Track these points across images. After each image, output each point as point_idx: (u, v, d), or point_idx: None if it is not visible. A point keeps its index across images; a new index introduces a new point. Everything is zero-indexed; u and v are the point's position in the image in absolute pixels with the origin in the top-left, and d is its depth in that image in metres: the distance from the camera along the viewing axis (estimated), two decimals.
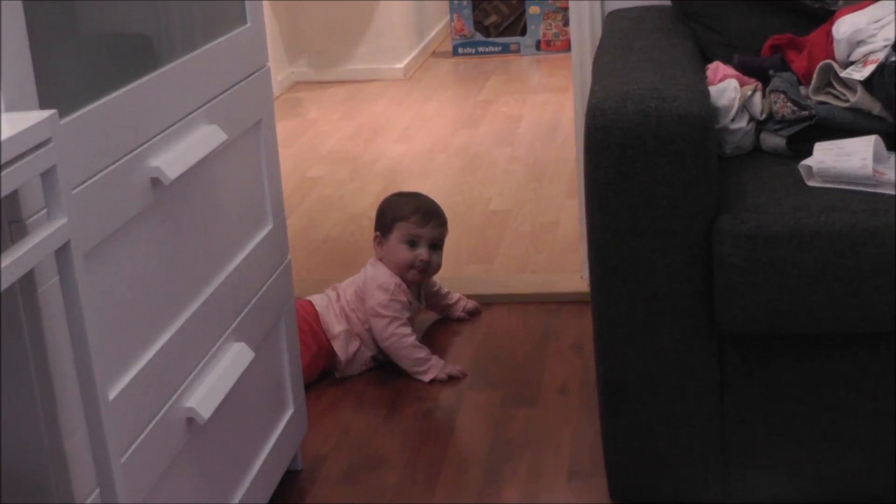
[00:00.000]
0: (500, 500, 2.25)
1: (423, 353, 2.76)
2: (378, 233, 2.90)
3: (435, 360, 2.76)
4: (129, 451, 1.58)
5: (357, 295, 2.82)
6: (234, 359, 1.92)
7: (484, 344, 2.92)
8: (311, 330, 2.74)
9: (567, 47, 6.21)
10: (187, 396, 1.76)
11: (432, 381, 2.72)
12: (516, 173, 4.24)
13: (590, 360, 2.77)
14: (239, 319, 1.97)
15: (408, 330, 2.77)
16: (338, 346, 2.75)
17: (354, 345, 2.78)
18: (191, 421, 1.76)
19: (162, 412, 1.68)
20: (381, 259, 2.86)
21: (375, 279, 2.81)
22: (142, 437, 1.61)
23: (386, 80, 5.89)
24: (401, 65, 5.96)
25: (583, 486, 2.27)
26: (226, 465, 1.94)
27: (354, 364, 2.79)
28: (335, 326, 2.77)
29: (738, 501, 2.09)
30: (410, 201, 2.92)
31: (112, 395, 1.53)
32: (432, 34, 6.62)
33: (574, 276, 3.23)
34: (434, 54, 6.49)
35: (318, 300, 2.83)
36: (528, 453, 2.40)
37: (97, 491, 1.48)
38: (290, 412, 2.26)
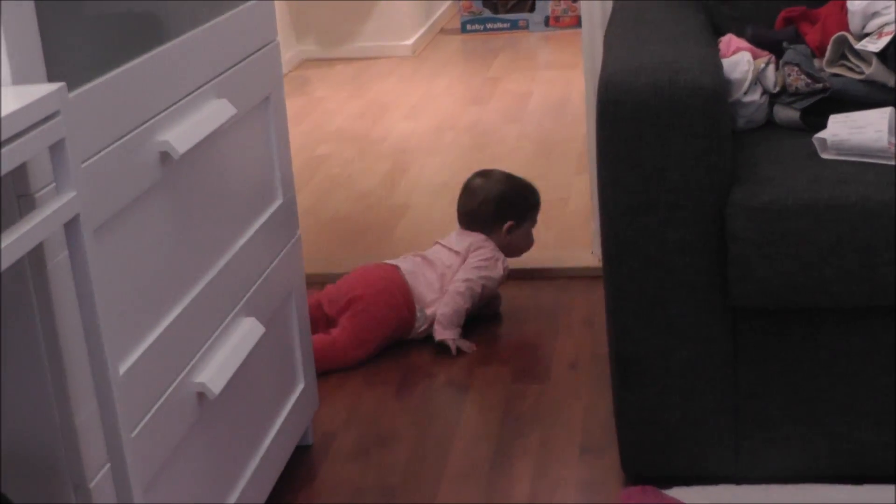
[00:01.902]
0: (512, 476, 2.24)
1: (460, 318, 2.78)
2: (513, 221, 2.93)
3: (458, 331, 2.78)
4: (140, 427, 1.57)
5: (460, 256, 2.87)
6: (244, 334, 1.91)
7: (494, 320, 2.91)
8: (401, 291, 2.79)
9: (576, 24, 6.18)
10: (198, 372, 1.75)
11: (440, 344, 2.74)
12: (525, 150, 4.22)
13: (600, 336, 2.76)
14: (249, 295, 1.97)
15: (472, 297, 2.81)
16: (430, 311, 2.80)
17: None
18: (201, 396, 1.76)
19: (172, 387, 1.67)
20: (508, 244, 2.92)
21: (483, 252, 2.87)
22: (152, 412, 1.61)
23: (394, 58, 5.87)
24: (409, 42, 5.93)
25: (595, 461, 2.26)
26: (236, 440, 1.94)
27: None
28: (430, 294, 2.82)
29: (751, 475, 2.08)
30: (532, 188, 3.01)
31: (122, 370, 1.52)
32: (440, 11, 6.59)
33: (584, 252, 3.21)
34: (442, 31, 6.46)
35: (404, 265, 2.86)
36: (539, 429, 2.40)
37: (107, 466, 1.48)
38: (300, 387, 2.25)
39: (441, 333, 2.75)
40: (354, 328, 2.73)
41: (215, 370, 1.79)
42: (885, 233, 1.86)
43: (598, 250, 3.14)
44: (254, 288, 1.99)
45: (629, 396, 2.08)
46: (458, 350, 2.74)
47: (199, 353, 1.76)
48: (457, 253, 2.88)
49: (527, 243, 2.99)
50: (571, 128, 4.42)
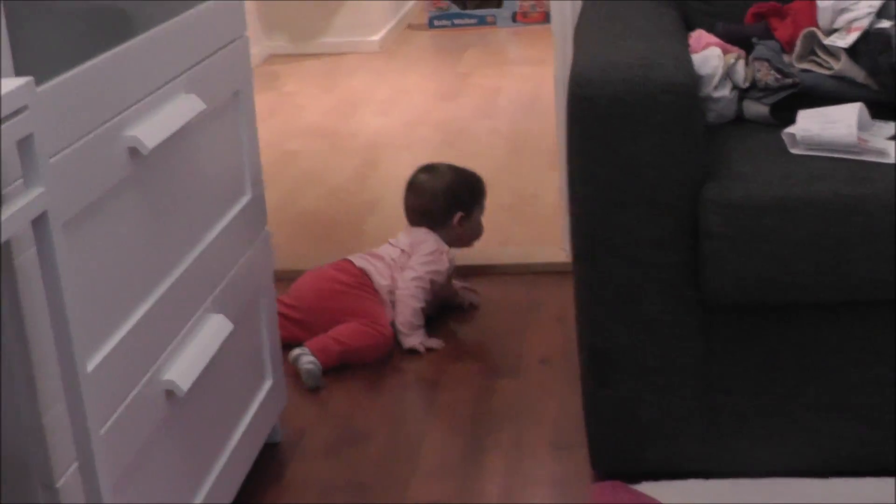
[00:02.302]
0: (483, 472, 2.24)
1: (418, 318, 2.77)
2: (462, 212, 2.91)
3: (422, 332, 2.76)
4: (108, 425, 1.55)
5: (408, 256, 2.87)
6: (212, 331, 1.90)
7: (465, 316, 2.90)
8: (363, 281, 2.80)
9: (543, 19, 6.18)
10: (166, 369, 1.74)
11: (411, 350, 2.72)
12: (497, 146, 4.22)
13: (571, 332, 2.74)
14: (217, 291, 1.95)
15: (424, 294, 2.80)
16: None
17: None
18: (170, 394, 1.74)
19: (141, 385, 1.65)
20: (460, 236, 2.92)
21: (428, 247, 2.86)
22: (120, 410, 1.59)
23: (362, 53, 5.85)
24: (377, 37, 5.92)
25: (566, 458, 2.26)
26: (205, 437, 1.92)
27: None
28: (380, 280, 2.82)
29: (722, 470, 2.08)
30: (477, 176, 3.00)
31: (91, 367, 1.51)
32: (408, 7, 6.58)
33: (555, 248, 3.21)
34: (410, 27, 6.45)
35: (356, 259, 2.86)
36: (510, 425, 2.39)
37: (76, 465, 1.46)
38: (268, 384, 2.24)
39: (407, 341, 2.74)
40: (363, 315, 2.72)
41: (184, 368, 1.77)
42: (857, 228, 1.87)
43: (568, 246, 3.14)
44: (222, 284, 1.98)
45: (600, 392, 2.08)
46: (429, 349, 2.73)
47: (168, 350, 1.75)
48: (402, 250, 2.87)
49: (478, 232, 2.98)
50: (542, 124, 4.42)
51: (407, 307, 2.77)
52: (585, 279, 2.02)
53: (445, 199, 2.91)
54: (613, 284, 2.00)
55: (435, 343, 2.75)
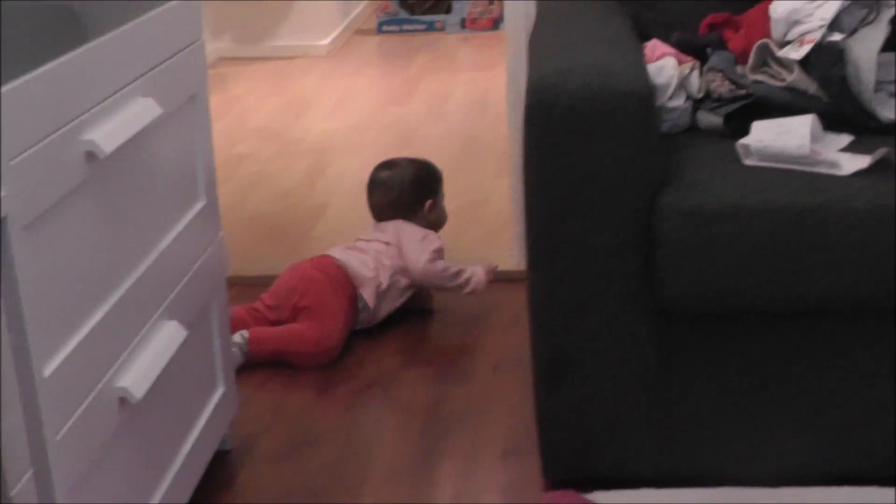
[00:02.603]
0: (436, 478, 2.24)
1: (454, 268, 2.89)
2: (430, 199, 2.99)
3: (471, 270, 2.91)
4: (63, 432, 1.53)
5: (397, 251, 2.89)
6: (166, 337, 1.88)
7: (417, 321, 2.90)
8: (344, 279, 2.80)
9: (492, 26, 6.21)
10: (120, 375, 1.72)
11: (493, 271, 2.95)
12: (446, 151, 4.22)
13: (523, 338, 2.75)
14: (172, 297, 1.94)
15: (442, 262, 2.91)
16: (367, 294, 2.81)
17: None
18: (123, 400, 1.73)
19: (95, 391, 1.64)
20: (431, 223, 3.00)
21: (415, 235, 2.92)
22: (75, 417, 1.57)
23: (311, 57, 5.83)
24: (325, 41, 5.91)
25: (518, 464, 2.26)
26: (157, 445, 1.91)
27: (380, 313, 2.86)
28: (365, 272, 2.82)
29: (673, 478, 2.09)
30: (432, 163, 3.10)
31: (47, 373, 1.49)
32: (357, 11, 6.57)
33: (506, 254, 3.22)
34: (358, 31, 6.44)
35: (337, 253, 2.87)
36: (462, 431, 2.39)
37: (30, 472, 1.45)
38: (220, 391, 2.22)
39: (474, 285, 2.89)
40: (317, 320, 2.72)
41: (138, 374, 1.75)
42: (810, 238, 1.88)
43: (519, 252, 3.15)
44: (176, 290, 1.96)
45: (553, 399, 2.08)
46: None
47: (122, 356, 1.73)
48: (386, 243, 2.89)
49: (444, 217, 3.08)
50: (491, 129, 4.43)
51: (439, 277, 2.86)
52: (540, 285, 2.03)
53: (413, 188, 2.98)
54: (568, 291, 2.01)
55: (490, 267, 2.94)
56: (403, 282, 2.87)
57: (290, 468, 2.29)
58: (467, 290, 2.90)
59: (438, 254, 2.90)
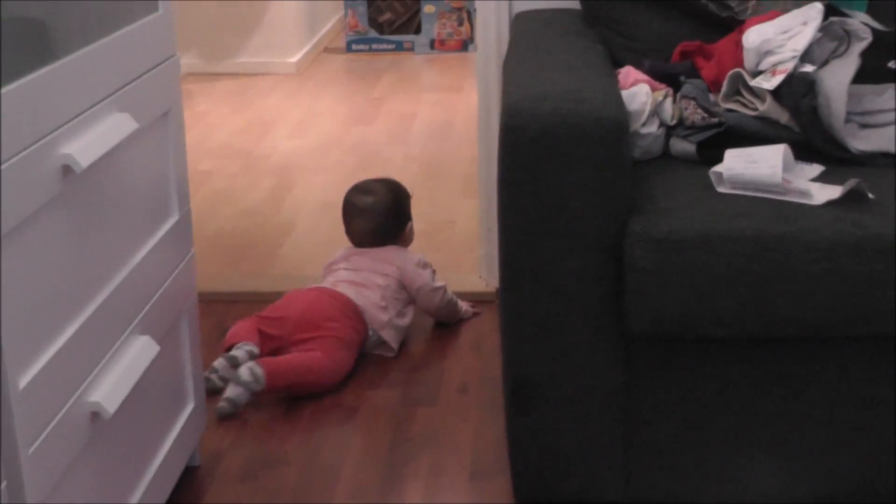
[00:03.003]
0: (402, 499, 2.24)
1: (448, 294, 2.97)
2: (410, 222, 3.04)
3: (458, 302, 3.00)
4: (35, 446, 1.53)
5: (398, 281, 2.89)
6: (138, 352, 1.88)
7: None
8: (357, 313, 2.80)
9: (460, 47, 6.23)
10: (93, 390, 1.72)
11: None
12: (411, 171, 4.23)
13: (489, 360, 2.77)
14: (144, 312, 1.93)
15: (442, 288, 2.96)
16: (389, 336, 2.82)
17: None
18: (95, 415, 1.72)
19: (68, 406, 1.63)
20: (406, 245, 3.02)
21: (411, 260, 2.93)
22: (47, 430, 1.56)
23: (278, 75, 5.84)
24: (293, 59, 5.91)
25: (485, 486, 2.27)
26: (128, 460, 1.90)
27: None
28: (382, 315, 2.82)
29: (640, 501, 2.11)
30: (400, 183, 3.10)
31: (21, 386, 1.48)
32: (325, 29, 6.58)
33: (471, 276, 3.23)
34: (327, 49, 6.45)
35: (348, 291, 2.82)
36: (428, 453, 2.39)
37: (3, 484, 1.44)
38: (190, 407, 2.22)
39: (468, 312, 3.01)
40: (328, 350, 2.68)
41: (110, 389, 1.75)
42: (778, 266, 1.90)
43: (486, 274, 3.16)
44: (149, 305, 1.96)
45: (522, 421, 2.09)
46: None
47: (95, 371, 1.73)
48: (385, 275, 2.88)
49: (412, 235, 3.10)
50: (457, 151, 4.45)
51: (454, 310, 2.98)
52: (510, 308, 2.04)
53: (395, 213, 2.99)
54: (538, 314, 2.02)
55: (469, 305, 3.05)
56: (409, 314, 2.89)
57: (256, 487, 2.28)
58: (463, 317, 3.01)
59: (434, 275, 2.96)
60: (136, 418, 1.91)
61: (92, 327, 1.71)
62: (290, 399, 2.61)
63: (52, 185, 1.58)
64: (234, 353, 2.63)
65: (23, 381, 1.48)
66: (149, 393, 1.97)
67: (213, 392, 2.57)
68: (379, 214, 2.96)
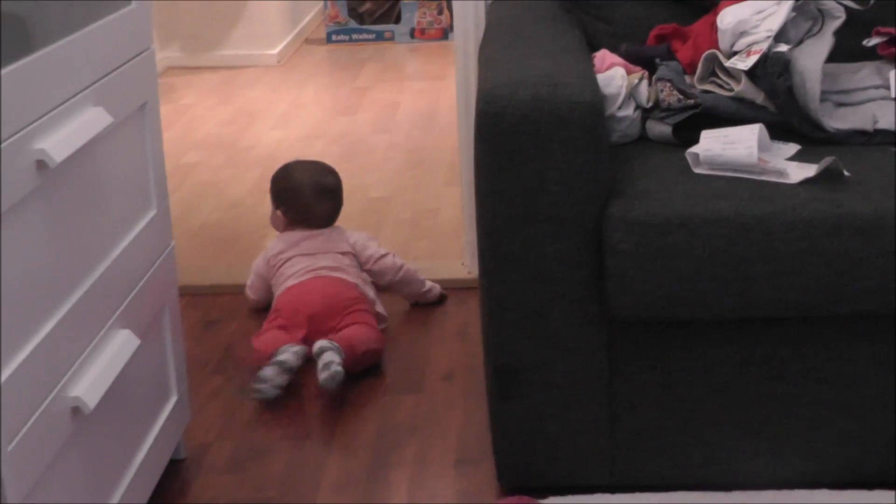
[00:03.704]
0: (388, 487, 2.24)
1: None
2: None
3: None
4: (15, 441, 1.53)
5: (354, 257, 2.93)
6: (119, 347, 1.88)
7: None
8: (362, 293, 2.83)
9: (441, 36, 6.23)
10: (73, 385, 1.71)
11: (442, 297, 3.04)
12: (395, 160, 4.23)
13: (474, 347, 2.77)
14: (124, 306, 1.93)
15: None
16: (381, 308, 2.87)
17: None
18: (76, 410, 1.72)
19: (48, 401, 1.63)
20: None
21: (357, 233, 2.99)
22: (27, 426, 1.56)
23: (260, 67, 5.82)
24: (275, 51, 5.90)
25: (471, 472, 2.27)
26: (110, 455, 1.90)
27: None
28: (370, 291, 2.87)
29: (626, 484, 2.11)
30: None
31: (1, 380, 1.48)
32: (306, 20, 6.57)
33: (455, 263, 3.23)
34: (307, 41, 6.44)
35: (350, 277, 2.85)
36: (414, 440, 2.40)
37: None
38: (173, 400, 2.22)
39: (433, 293, 3.03)
40: (371, 323, 2.75)
41: (90, 384, 1.75)
42: (758, 247, 1.91)
43: (469, 262, 3.16)
44: (129, 299, 1.96)
45: (506, 407, 2.09)
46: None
47: (75, 366, 1.72)
48: (343, 253, 2.90)
49: None
50: (441, 139, 4.44)
51: (413, 278, 2.99)
52: (491, 294, 2.04)
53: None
54: (519, 300, 2.02)
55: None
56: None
57: (242, 478, 2.29)
58: (429, 294, 3.02)
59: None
60: (118, 412, 1.91)
61: (71, 322, 1.71)
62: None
63: (27, 180, 1.58)
64: (281, 357, 2.58)
65: (1, 377, 1.48)
66: (131, 387, 1.97)
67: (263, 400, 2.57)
68: (340, 194, 3.01)
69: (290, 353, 2.58)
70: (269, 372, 2.55)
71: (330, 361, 2.52)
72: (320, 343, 2.58)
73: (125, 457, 1.97)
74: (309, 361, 2.64)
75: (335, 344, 2.58)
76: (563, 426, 2.07)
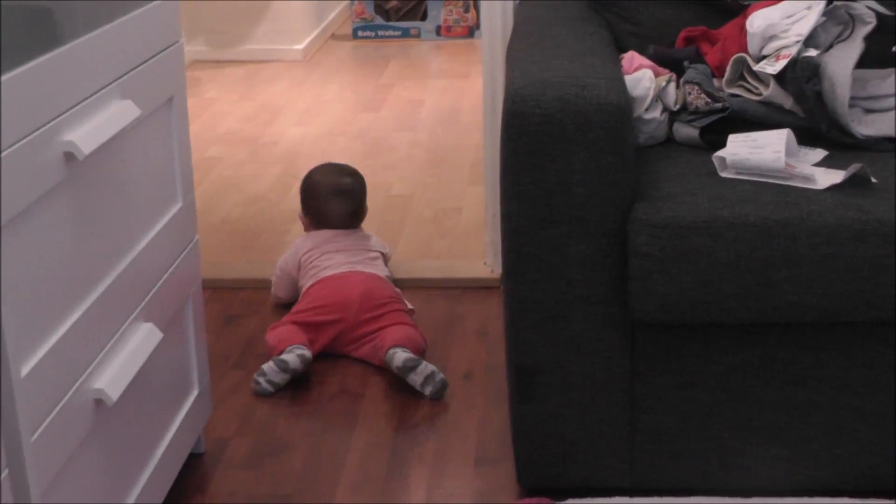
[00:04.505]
0: (407, 486, 2.24)
1: None
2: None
3: None
4: (38, 433, 1.53)
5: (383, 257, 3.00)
6: (142, 339, 1.88)
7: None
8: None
9: (467, 34, 6.22)
10: (96, 377, 1.72)
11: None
12: (418, 158, 4.23)
13: (494, 346, 2.77)
14: (147, 299, 1.93)
15: None
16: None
17: None
18: (99, 402, 1.72)
19: (71, 393, 1.63)
20: None
21: (376, 237, 3.07)
22: (50, 418, 1.57)
23: (285, 62, 5.83)
24: (300, 46, 5.90)
25: (490, 472, 2.27)
26: (131, 447, 1.90)
27: None
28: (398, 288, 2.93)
29: (644, 488, 2.11)
30: None
31: (23, 373, 1.48)
32: (332, 16, 6.57)
33: (477, 263, 3.23)
34: (333, 37, 6.44)
35: (382, 272, 2.90)
36: (434, 439, 2.40)
37: (6, 473, 1.44)
38: (194, 394, 2.22)
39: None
40: (407, 322, 2.76)
41: (113, 376, 1.75)
42: (782, 251, 1.90)
43: (491, 261, 3.16)
44: (152, 292, 1.96)
45: (526, 408, 2.09)
46: None
47: (98, 358, 1.73)
48: (374, 255, 2.95)
49: None
50: (464, 137, 4.44)
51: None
52: (514, 295, 2.04)
53: (364, 196, 3.07)
54: (541, 301, 2.02)
55: None
56: None
57: (262, 474, 2.29)
58: None
59: None
60: (139, 405, 1.92)
61: (95, 315, 1.71)
62: (295, 385, 2.61)
63: (54, 172, 1.58)
64: (284, 356, 2.60)
65: (25, 369, 1.49)
66: (153, 380, 1.98)
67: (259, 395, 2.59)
68: (359, 195, 3.02)
69: (293, 356, 2.60)
70: (268, 368, 2.59)
71: (432, 372, 2.54)
72: (401, 357, 2.57)
73: (146, 450, 1.97)
74: (316, 362, 2.67)
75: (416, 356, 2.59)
76: (582, 428, 2.07)
